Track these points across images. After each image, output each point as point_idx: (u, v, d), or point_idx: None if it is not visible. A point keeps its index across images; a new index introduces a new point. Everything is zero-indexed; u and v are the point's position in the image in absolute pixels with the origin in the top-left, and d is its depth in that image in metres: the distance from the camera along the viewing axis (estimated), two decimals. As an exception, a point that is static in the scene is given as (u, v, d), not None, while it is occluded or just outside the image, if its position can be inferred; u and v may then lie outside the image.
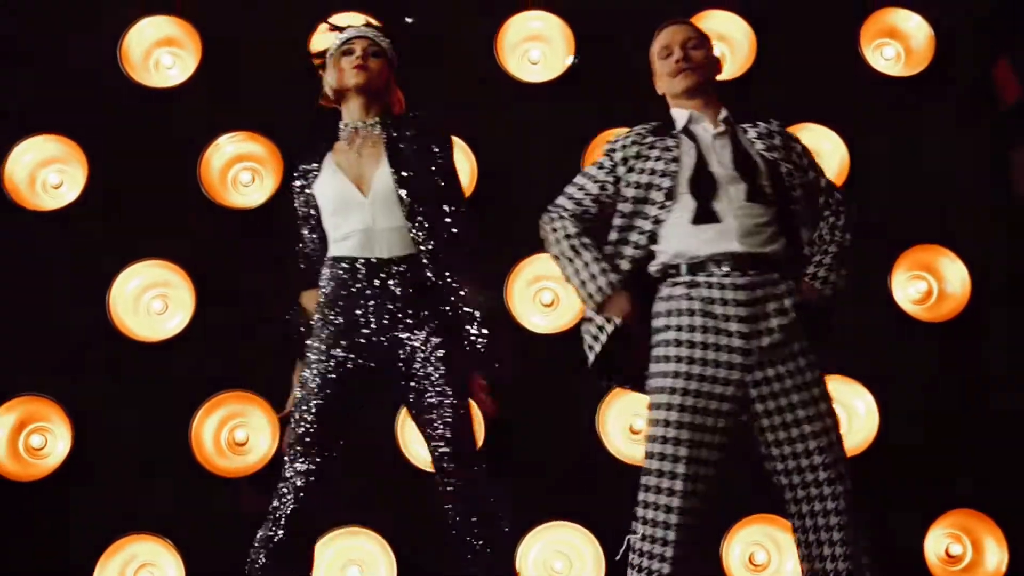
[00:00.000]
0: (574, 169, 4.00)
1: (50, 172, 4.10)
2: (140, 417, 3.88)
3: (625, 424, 3.96)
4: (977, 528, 3.92)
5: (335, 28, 3.18)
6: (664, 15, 4.19)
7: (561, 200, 3.01)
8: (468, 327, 2.90)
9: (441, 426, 2.86)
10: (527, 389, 3.90)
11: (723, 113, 2.99)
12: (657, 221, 2.85)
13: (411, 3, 4.26)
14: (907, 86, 4.29)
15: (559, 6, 4.24)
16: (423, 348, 2.88)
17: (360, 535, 3.82)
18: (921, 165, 4.25)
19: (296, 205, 3.09)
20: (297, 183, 3.09)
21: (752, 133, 2.99)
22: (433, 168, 3.00)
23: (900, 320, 4.08)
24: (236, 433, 3.90)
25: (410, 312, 2.89)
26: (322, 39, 3.29)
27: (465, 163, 4.10)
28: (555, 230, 2.95)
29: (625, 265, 2.87)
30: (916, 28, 4.33)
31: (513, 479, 3.90)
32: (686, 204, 2.83)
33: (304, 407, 2.88)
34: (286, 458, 2.89)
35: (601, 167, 3.00)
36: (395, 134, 3.01)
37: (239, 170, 4.13)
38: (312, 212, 3.03)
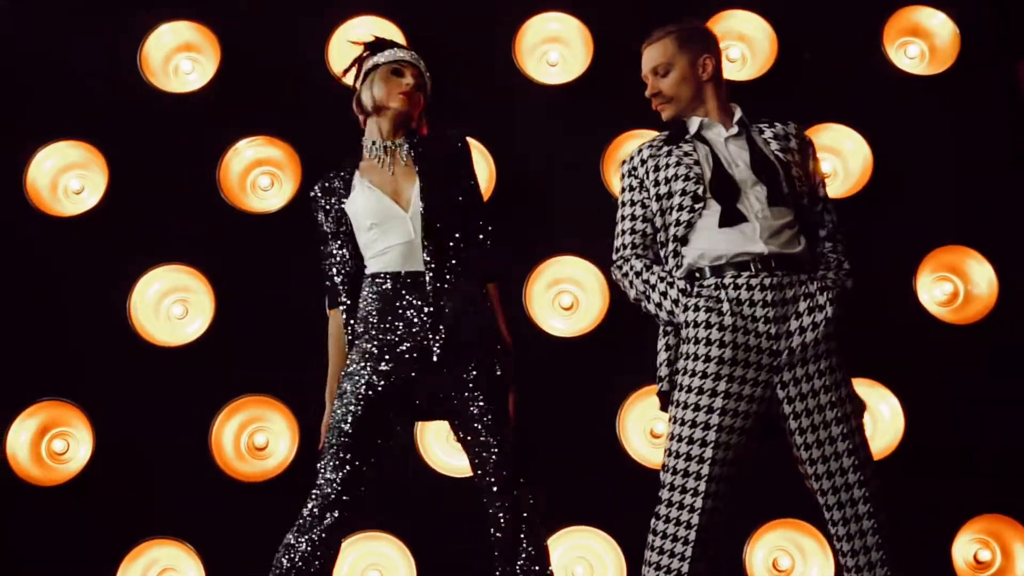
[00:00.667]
0: (593, 171, 4.05)
1: (71, 178, 4.12)
2: (161, 422, 3.89)
3: (645, 428, 3.93)
4: (1006, 533, 3.87)
5: (380, 43, 3.23)
6: (680, 14, 4.19)
7: (616, 245, 3.03)
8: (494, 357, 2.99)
9: (497, 451, 2.91)
10: (546, 393, 3.89)
11: (737, 114, 2.98)
12: (689, 225, 2.87)
13: (431, 5, 4.28)
14: (931, 85, 4.24)
15: (578, 8, 4.22)
16: (466, 369, 2.94)
17: (380, 540, 3.81)
18: (946, 165, 4.19)
19: (324, 222, 3.11)
20: (324, 200, 3.11)
21: (768, 133, 2.99)
22: (458, 185, 3.10)
23: (926, 322, 4.03)
24: (256, 437, 3.90)
25: (451, 326, 2.94)
26: (352, 49, 3.33)
27: (484, 165, 4.09)
28: (626, 275, 2.97)
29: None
30: (940, 26, 4.28)
31: (533, 483, 3.89)
32: (712, 208, 2.86)
33: (343, 418, 2.89)
34: (320, 467, 2.90)
35: (631, 189, 3.02)
36: (422, 150, 3.10)
37: (258, 174, 4.13)
38: (344, 228, 3.06)
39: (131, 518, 3.83)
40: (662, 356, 2.90)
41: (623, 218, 3.02)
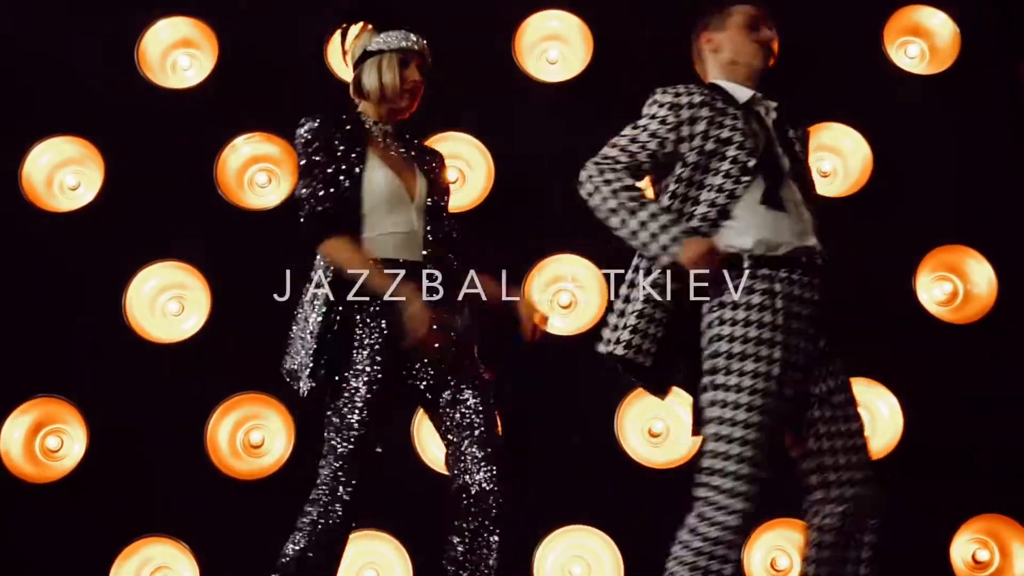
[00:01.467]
0: (593, 169, 4.02)
1: (67, 173, 4.09)
2: (156, 419, 3.86)
3: (644, 427, 3.91)
4: (1004, 533, 3.85)
5: (385, 18, 3.03)
6: (684, 15, 4.18)
7: (612, 152, 2.74)
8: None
9: (480, 444, 2.83)
10: (545, 392, 3.88)
11: (774, 104, 2.88)
12: (732, 196, 2.66)
13: (430, 2, 4.26)
14: (932, 84, 4.23)
15: (578, 6, 4.21)
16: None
17: (377, 539, 3.79)
18: (946, 164, 4.19)
19: (328, 166, 2.82)
20: (341, 146, 2.86)
21: (791, 133, 2.90)
22: (441, 179, 3.08)
23: (925, 322, 4.02)
24: (252, 435, 3.88)
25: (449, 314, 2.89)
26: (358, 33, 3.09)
27: (482, 163, 4.08)
28: (608, 181, 2.67)
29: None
30: (941, 25, 4.27)
31: (530, 482, 3.88)
32: (758, 184, 2.68)
33: (361, 422, 2.76)
34: (335, 472, 2.77)
35: (663, 122, 2.73)
36: (415, 141, 3.07)
37: (255, 171, 4.11)
38: (346, 186, 2.82)
39: (125, 516, 3.80)
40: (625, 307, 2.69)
41: (634, 136, 2.74)
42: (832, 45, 4.26)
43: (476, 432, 2.84)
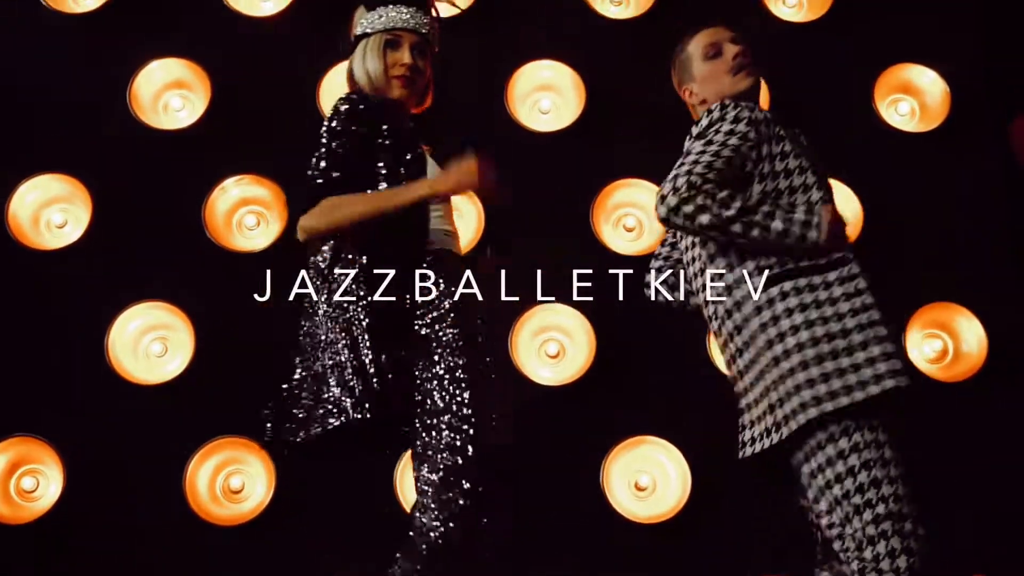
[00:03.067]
0: (583, 219, 4.02)
1: (54, 211, 4.06)
2: (135, 461, 3.80)
3: (630, 480, 3.87)
4: (992, 594, 3.81)
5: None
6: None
7: (697, 170, 2.54)
8: None
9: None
10: (531, 443, 3.83)
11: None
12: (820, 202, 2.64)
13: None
14: (922, 142, 4.25)
15: (571, 56, 4.23)
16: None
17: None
18: (936, 222, 4.19)
19: (362, 143, 2.53)
20: (382, 128, 2.57)
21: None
22: None
23: (915, 379, 3.98)
24: (232, 480, 3.82)
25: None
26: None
27: (472, 210, 4.06)
28: (724, 203, 2.50)
29: None
30: (931, 84, 4.30)
31: (515, 534, 3.82)
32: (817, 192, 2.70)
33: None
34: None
35: (744, 139, 2.62)
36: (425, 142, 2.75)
37: (244, 213, 4.09)
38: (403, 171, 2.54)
39: (101, 560, 3.73)
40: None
41: (718, 154, 2.57)
42: (823, 101, 4.28)
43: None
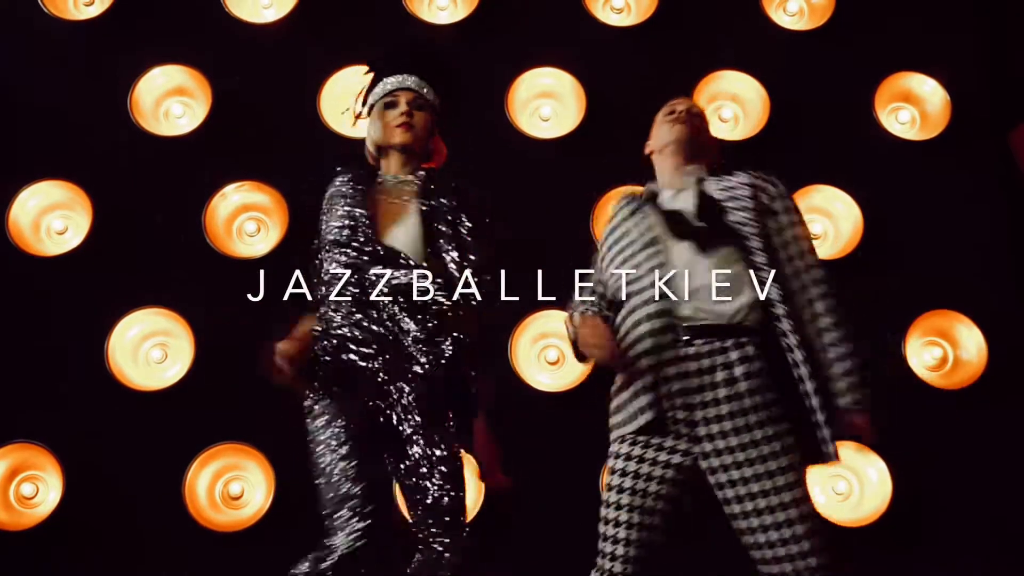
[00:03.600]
0: (583, 225, 4.02)
1: (55, 218, 4.07)
2: (134, 467, 3.80)
3: (630, 487, 3.85)
4: (992, 604, 3.80)
5: (375, 70, 2.98)
6: (676, 73, 4.21)
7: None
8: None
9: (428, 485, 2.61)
10: (531, 449, 3.83)
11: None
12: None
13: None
14: (922, 150, 4.25)
15: (571, 63, 4.23)
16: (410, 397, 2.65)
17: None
18: (936, 230, 4.19)
19: (336, 221, 2.75)
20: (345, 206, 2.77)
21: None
22: (456, 229, 2.81)
23: (915, 387, 3.99)
24: (231, 487, 3.82)
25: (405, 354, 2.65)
26: (356, 82, 3.07)
27: (473, 218, 4.06)
28: None
29: None
30: (932, 92, 4.31)
31: (515, 540, 3.82)
32: None
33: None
34: None
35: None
36: (431, 187, 2.83)
37: (244, 220, 4.09)
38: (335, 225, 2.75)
39: (100, 565, 3.73)
40: None
41: None
42: (824, 109, 4.29)
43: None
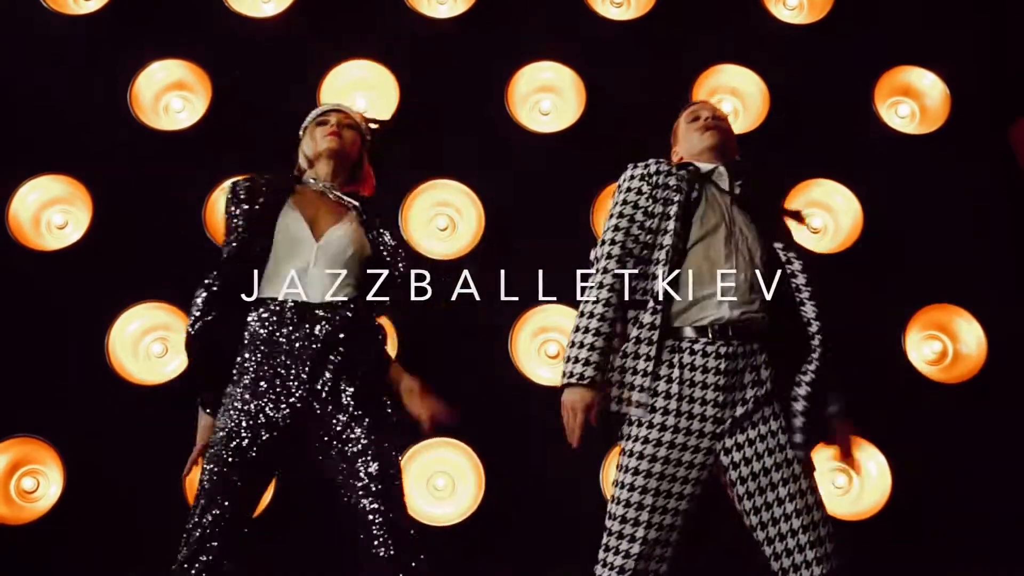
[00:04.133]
0: (583, 220, 4.03)
1: (55, 212, 4.07)
2: (135, 461, 3.80)
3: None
4: (992, 597, 3.81)
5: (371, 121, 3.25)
6: (673, 66, 4.21)
7: None
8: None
9: (372, 484, 2.71)
10: (532, 442, 3.84)
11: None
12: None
13: (424, 51, 4.28)
14: (922, 144, 4.25)
15: (571, 57, 4.23)
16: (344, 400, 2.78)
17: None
18: (936, 224, 4.20)
19: (247, 221, 2.92)
20: (259, 200, 2.96)
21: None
22: (387, 247, 2.98)
23: (914, 381, 4.00)
24: (232, 481, 3.82)
25: (332, 358, 2.79)
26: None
27: (473, 212, 4.07)
28: None
29: None
30: (931, 86, 4.31)
31: (514, 531, 3.82)
32: None
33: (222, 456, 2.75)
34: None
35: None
36: (364, 207, 3.00)
37: (245, 214, 4.09)
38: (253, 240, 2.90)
39: (101, 561, 3.73)
40: None
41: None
42: (824, 104, 4.29)
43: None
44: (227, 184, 3.04)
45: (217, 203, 4.02)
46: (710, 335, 2.72)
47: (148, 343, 3.96)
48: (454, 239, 4.09)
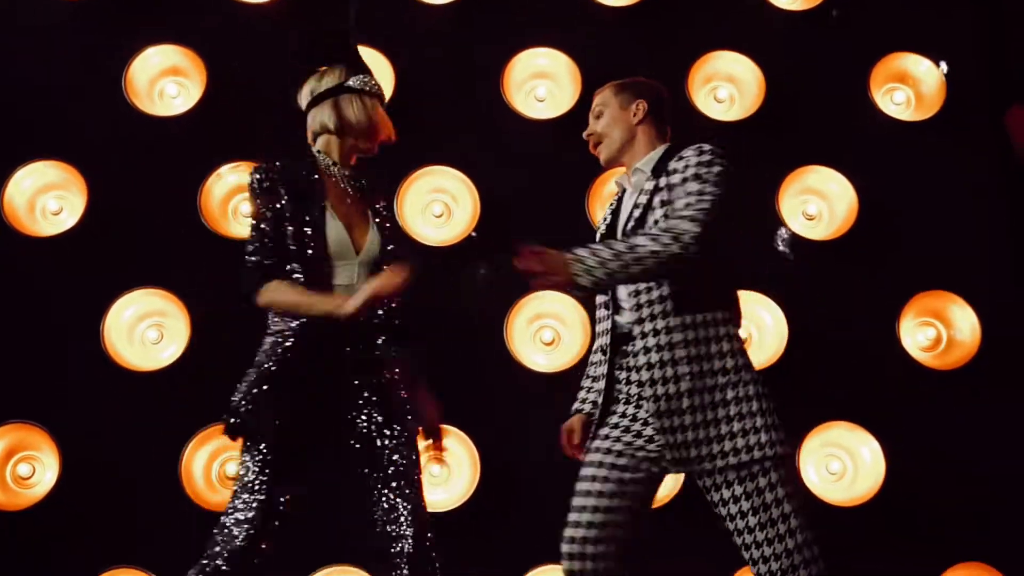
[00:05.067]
0: (579, 207, 4.03)
1: (50, 198, 4.06)
2: (130, 448, 3.81)
3: (625, 467, 3.87)
4: (985, 582, 3.83)
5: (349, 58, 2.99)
6: (669, 53, 4.20)
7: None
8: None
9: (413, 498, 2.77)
10: (526, 429, 3.85)
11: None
12: None
13: (419, 38, 4.28)
14: (917, 131, 4.25)
15: (566, 44, 4.22)
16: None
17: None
18: (930, 210, 4.20)
19: (277, 218, 2.75)
20: (295, 195, 2.79)
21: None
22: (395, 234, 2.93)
23: (908, 367, 4.01)
24: (228, 467, 3.82)
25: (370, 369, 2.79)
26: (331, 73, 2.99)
27: (468, 199, 4.07)
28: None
29: None
30: (927, 73, 4.31)
31: (513, 519, 3.84)
32: None
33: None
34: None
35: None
36: (371, 195, 2.91)
37: (240, 200, 4.09)
38: (295, 236, 2.75)
39: (96, 546, 3.74)
40: None
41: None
42: (819, 90, 4.29)
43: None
44: (250, 171, 2.87)
45: (212, 188, 4.02)
46: None
47: (143, 329, 3.95)
48: (449, 226, 4.09)
